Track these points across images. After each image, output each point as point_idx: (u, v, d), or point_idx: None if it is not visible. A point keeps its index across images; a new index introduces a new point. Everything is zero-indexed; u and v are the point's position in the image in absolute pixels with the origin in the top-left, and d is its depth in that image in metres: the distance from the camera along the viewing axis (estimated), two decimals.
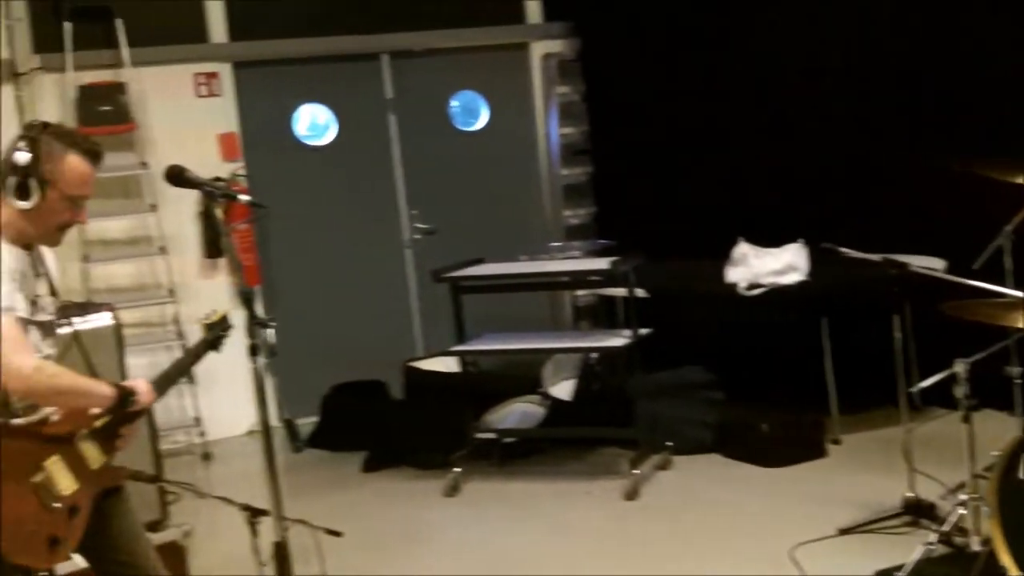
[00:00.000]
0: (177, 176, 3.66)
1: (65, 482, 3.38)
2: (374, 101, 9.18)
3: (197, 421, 8.18)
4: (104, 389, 3.43)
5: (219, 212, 3.71)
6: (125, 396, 3.47)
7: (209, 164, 8.13)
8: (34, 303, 3.46)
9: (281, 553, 3.49)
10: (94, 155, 3.48)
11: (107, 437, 3.54)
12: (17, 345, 3.25)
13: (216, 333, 3.90)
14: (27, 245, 3.48)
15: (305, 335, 8.51)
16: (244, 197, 3.71)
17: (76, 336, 3.67)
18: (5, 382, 3.24)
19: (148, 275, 8.40)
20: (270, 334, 3.51)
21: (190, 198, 8.21)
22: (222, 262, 8.48)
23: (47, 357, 3.49)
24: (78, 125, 7.84)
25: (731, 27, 8.03)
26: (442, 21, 9.21)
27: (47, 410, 3.45)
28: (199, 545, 5.12)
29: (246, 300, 3.54)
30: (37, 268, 3.52)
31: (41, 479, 3.32)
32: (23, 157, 3.36)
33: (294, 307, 8.66)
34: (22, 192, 3.37)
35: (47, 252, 3.61)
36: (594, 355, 7.32)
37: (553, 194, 9.65)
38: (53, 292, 3.59)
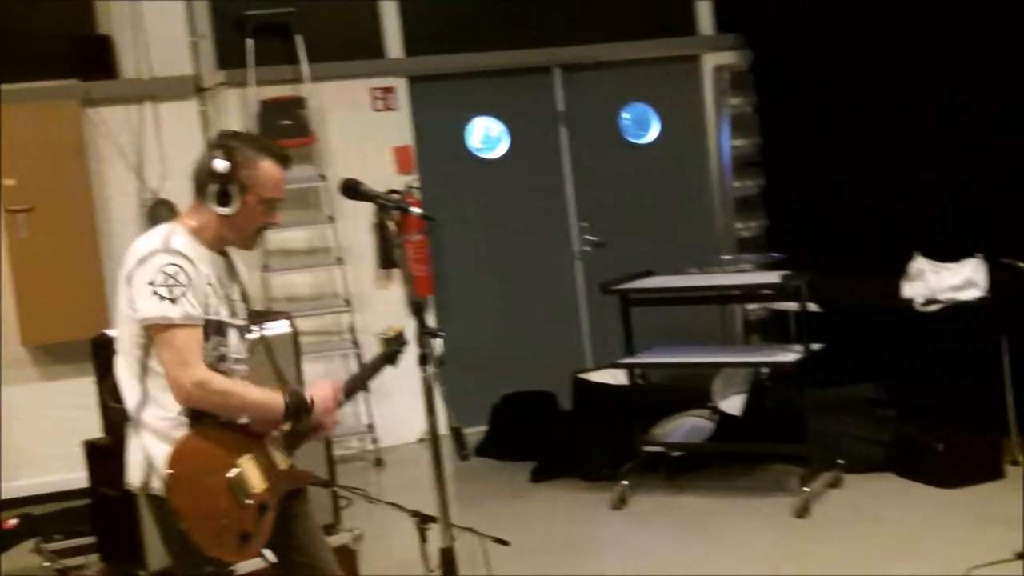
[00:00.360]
0: (352, 189, 3.76)
1: (256, 480, 3.50)
2: (546, 114, 9.26)
3: (370, 428, 8.35)
4: (274, 404, 3.50)
5: (392, 224, 3.78)
6: (296, 410, 3.53)
7: (384, 176, 8.30)
8: (230, 307, 3.58)
9: (448, 560, 3.55)
10: (284, 159, 3.60)
11: (293, 440, 3.66)
12: (184, 358, 3.35)
13: (393, 348, 3.96)
14: (222, 251, 3.60)
15: (476, 345, 8.61)
16: (416, 210, 3.79)
17: (264, 340, 3.77)
18: (175, 393, 3.37)
19: (325, 284, 8.60)
20: (439, 344, 3.58)
21: (366, 210, 8.39)
22: (396, 273, 8.65)
23: (240, 360, 3.61)
24: None
25: (907, 38, 7.88)
26: (614, 34, 9.25)
27: None
28: (369, 549, 5.23)
29: (417, 310, 3.62)
30: (231, 273, 3.64)
31: (235, 476, 3.44)
32: (222, 165, 3.48)
33: (466, 317, 8.78)
34: (223, 198, 3.49)
35: (237, 259, 3.73)
36: (765, 370, 7.25)
37: (724, 207, 9.59)
38: (244, 297, 3.70)
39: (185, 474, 3.37)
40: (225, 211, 3.49)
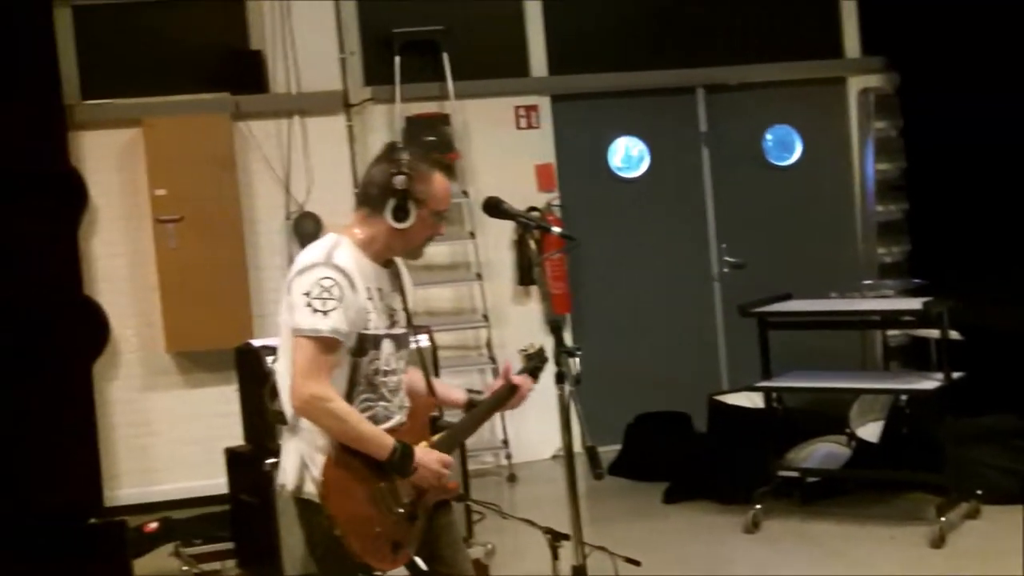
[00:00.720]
0: (494, 207, 3.81)
1: (407, 490, 3.56)
2: (688, 134, 9.24)
3: (505, 443, 8.41)
4: (380, 446, 3.48)
5: (533, 243, 3.82)
6: (397, 465, 3.50)
7: (526, 194, 8.36)
8: (391, 316, 3.64)
9: None
10: (449, 170, 3.71)
11: (444, 450, 3.69)
12: (315, 368, 3.41)
13: (534, 364, 3.98)
14: (387, 262, 3.67)
15: (611, 363, 8.61)
16: (556, 229, 3.81)
17: (419, 351, 3.83)
18: (292, 398, 3.44)
19: (465, 299, 8.69)
20: (576, 362, 3.59)
21: (507, 227, 8.48)
22: (534, 289, 8.71)
23: (395, 370, 3.66)
24: None
25: None
26: (758, 55, 9.20)
27: (395, 420, 3.63)
28: (501, 564, 5.27)
29: (555, 328, 3.64)
30: (394, 284, 3.70)
31: (387, 485, 3.51)
32: (402, 180, 3.54)
33: (601, 336, 8.79)
34: (401, 213, 3.56)
35: (403, 269, 3.79)
36: (904, 397, 7.13)
37: (866, 231, 9.46)
38: (406, 307, 3.76)
39: (339, 481, 3.45)
40: (400, 225, 3.56)
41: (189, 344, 8.02)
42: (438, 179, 3.61)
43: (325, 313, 3.41)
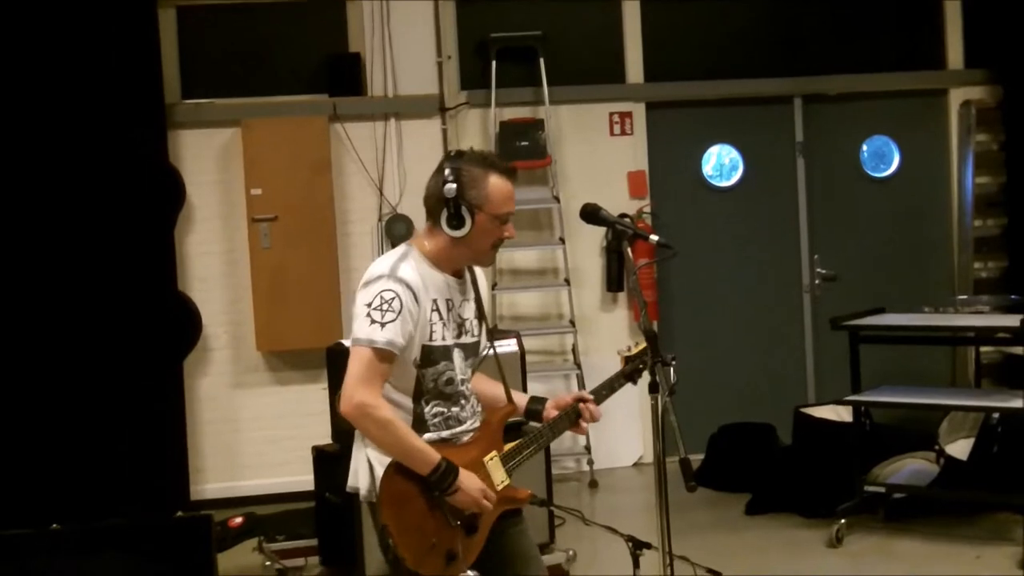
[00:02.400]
0: (592, 214, 3.80)
1: None
2: (783, 144, 9.17)
3: (587, 450, 8.40)
4: (424, 460, 3.47)
5: (629, 251, 3.80)
6: (438, 483, 3.48)
7: (617, 201, 8.36)
8: (460, 326, 3.66)
9: None
10: (510, 172, 3.65)
11: (514, 461, 3.70)
12: (368, 377, 3.45)
13: (635, 366, 3.94)
14: (457, 271, 3.69)
15: (697, 373, 8.58)
16: (655, 237, 3.78)
17: (497, 359, 3.83)
18: (342, 403, 3.48)
19: (552, 305, 8.71)
20: (671, 372, 3.57)
21: (596, 233, 8.49)
22: (621, 297, 8.71)
23: (465, 379, 3.68)
24: None
25: None
26: (858, 65, 9.11)
27: (460, 428, 3.65)
28: (581, 570, 5.28)
29: (650, 338, 3.62)
30: (466, 292, 3.72)
31: (443, 496, 3.52)
32: (451, 188, 3.54)
33: (688, 344, 8.75)
34: (454, 221, 3.56)
35: (480, 277, 3.81)
36: (996, 415, 7.03)
37: (963, 246, 9.31)
38: (481, 315, 3.77)
39: (396, 490, 3.48)
40: (457, 234, 3.56)
41: (279, 343, 8.13)
42: (494, 182, 3.58)
43: (383, 325, 3.45)
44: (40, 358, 7.39)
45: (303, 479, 5.66)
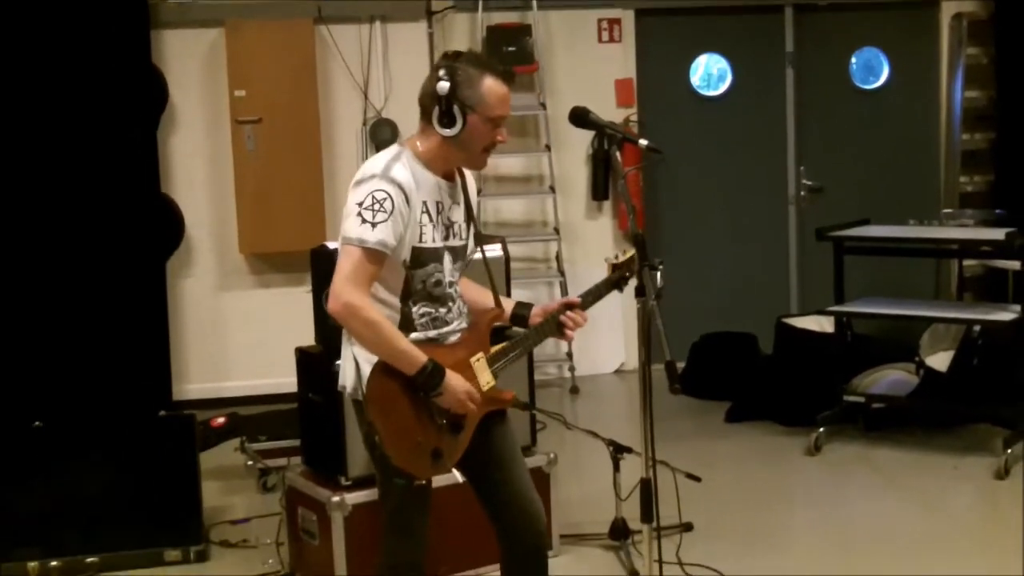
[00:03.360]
0: (581, 117, 3.76)
1: None
2: (773, 54, 9.10)
3: (569, 356, 8.43)
4: (410, 361, 3.47)
5: (617, 155, 3.77)
6: (424, 384, 3.48)
7: (604, 109, 8.14)
8: (448, 228, 3.65)
9: (647, 491, 3.56)
10: (508, 75, 3.60)
11: (500, 363, 3.70)
12: (356, 276, 3.43)
13: (622, 273, 3.91)
14: (448, 174, 3.66)
15: (680, 281, 8.54)
16: (644, 141, 3.74)
17: (487, 262, 3.81)
18: (329, 301, 3.47)
19: (536, 213, 8.70)
20: (658, 277, 3.57)
21: (583, 141, 8.48)
22: (606, 205, 8.70)
23: (453, 282, 3.68)
24: None
25: None
26: None
27: (447, 328, 3.65)
28: (562, 474, 5.31)
29: (638, 242, 3.60)
30: (456, 196, 3.69)
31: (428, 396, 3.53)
32: (444, 86, 3.50)
33: (672, 253, 8.72)
34: (446, 120, 3.52)
35: (470, 181, 3.78)
36: (977, 328, 7.06)
37: (950, 159, 9.30)
38: (470, 219, 3.75)
39: (382, 389, 3.49)
40: (448, 132, 3.53)
41: (263, 246, 8.10)
42: (489, 84, 3.54)
43: (374, 225, 3.43)
44: (24, 260, 7.35)
45: (286, 380, 5.64)
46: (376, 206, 3.44)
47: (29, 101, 7.35)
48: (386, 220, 3.44)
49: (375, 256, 3.45)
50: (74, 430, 5.62)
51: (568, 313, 3.78)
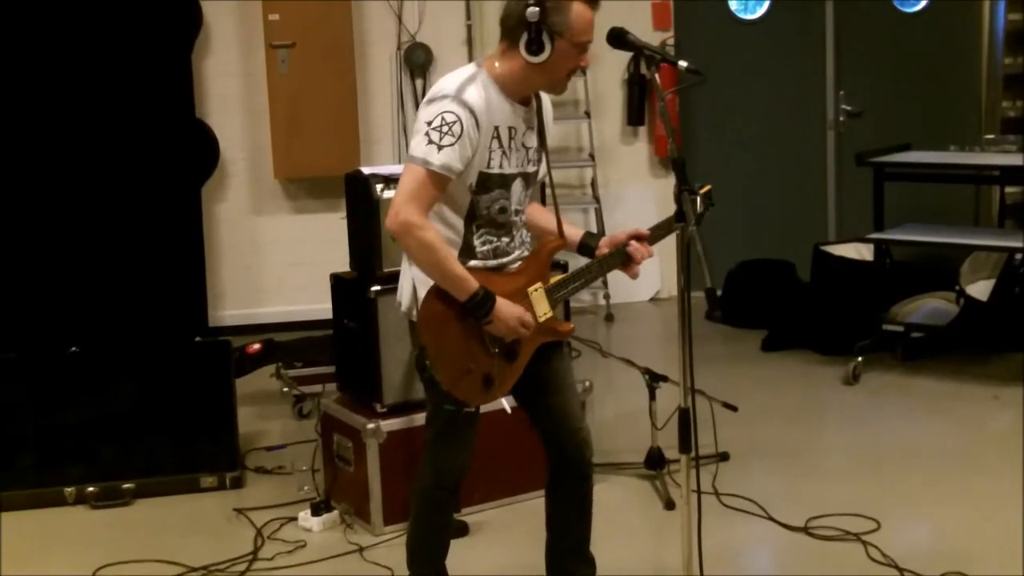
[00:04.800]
0: (618, 37, 3.67)
1: None
2: None
3: (604, 283, 8.39)
4: (461, 286, 3.43)
5: (657, 77, 3.69)
6: (474, 309, 3.45)
7: (640, 32, 7.91)
8: (523, 154, 3.58)
9: (685, 421, 3.52)
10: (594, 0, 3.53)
11: (559, 294, 3.67)
12: (418, 196, 3.38)
13: (702, 208, 3.70)
14: (525, 99, 3.58)
15: (717, 208, 8.45)
16: (683, 63, 3.67)
17: (553, 191, 3.76)
18: (388, 217, 3.42)
19: (572, 138, 8.62)
20: (698, 201, 3.51)
21: (618, 65, 8.39)
22: (642, 131, 8.61)
23: (520, 209, 3.63)
24: None
25: None
26: None
27: (508, 258, 3.63)
28: (598, 401, 5.30)
29: (678, 166, 3.53)
30: (531, 120, 3.62)
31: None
32: (534, 11, 3.42)
33: (709, 179, 8.55)
34: (535, 46, 3.44)
35: (547, 105, 3.70)
36: (1019, 256, 6.97)
37: (991, 84, 9.15)
38: (542, 144, 3.68)
39: (436, 312, 3.46)
40: (536, 59, 3.45)
41: (297, 171, 8.07)
42: (577, 8, 3.46)
43: (440, 148, 3.37)
44: (60, 186, 7.35)
45: (321, 307, 5.64)
46: (444, 128, 3.38)
47: (63, 27, 7.30)
48: (453, 144, 3.38)
49: (438, 179, 3.40)
50: (110, 356, 5.65)
51: (634, 243, 3.71)
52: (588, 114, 8.38)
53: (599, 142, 8.46)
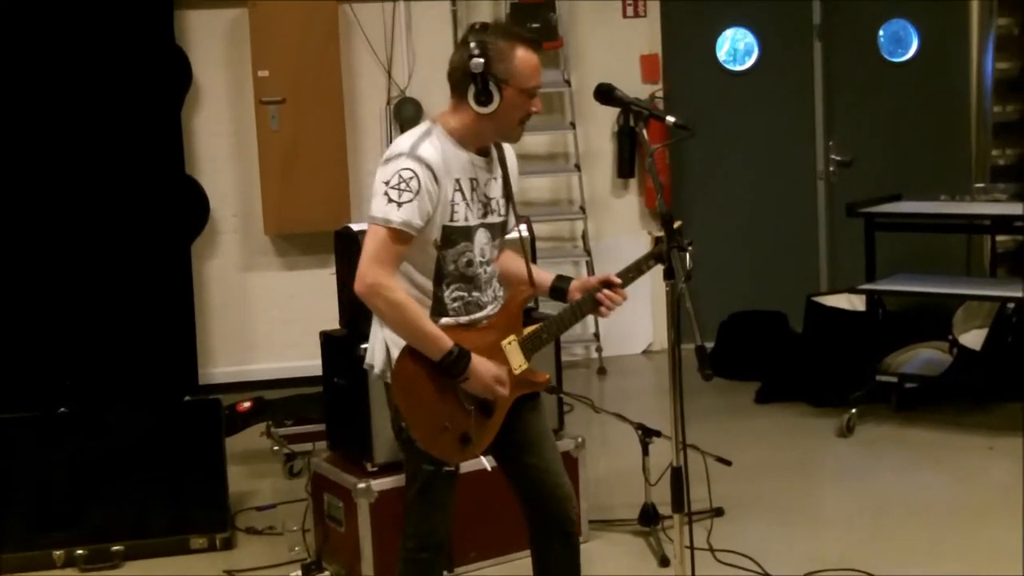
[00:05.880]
0: (606, 93, 3.67)
1: None
2: (800, 27, 8.97)
3: (596, 336, 8.37)
4: (435, 345, 3.40)
5: (644, 132, 3.68)
6: (449, 368, 3.41)
7: (629, 85, 8.15)
8: (485, 206, 3.57)
9: (678, 479, 3.49)
10: (536, 44, 3.52)
11: (533, 345, 3.63)
12: (381, 257, 3.37)
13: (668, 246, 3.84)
14: (483, 149, 3.58)
15: (707, 259, 8.45)
16: (671, 118, 3.67)
17: (521, 240, 3.74)
18: (356, 281, 3.40)
19: (562, 190, 8.62)
20: (687, 258, 3.49)
21: (608, 118, 8.40)
22: (632, 183, 8.62)
23: (488, 261, 3.61)
24: None
25: None
26: None
27: (480, 313, 3.59)
28: (590, 457, 5.26)
29: (667, 221, 3.52)
30: (493, 170, 3.61)
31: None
32: (478, 62, 3.42)
33: (699, 231, 8.64)
34: (483, 97, 3.44)
35: (510, 154, 3.69)
36: (1011, 305, 6.96)
37: (981, 132, 9.18)
38: (508, 194, 3.66)
39: (409, 372, 3.43)
40: (485, 110, 3.45)
41: (288, 226, 8.06)
42: (521, 55, 3.45)
43: (399, 205, 3.36)
44: (49, 243, 7.34)
45: (312, 363, 5.60)
46: (402, 185, 3.37)
47: (53, 83, 7.33)
48: (412, 200, 3.37)
49: (401, 236, 3.38)
50: (99, 415, 5.60)
51: (605, 291, 3.67)
52: (578, 167, 8.39)
53: (590, 194, 8.46)
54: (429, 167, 3.40)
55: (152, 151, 7.56)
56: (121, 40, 7.42)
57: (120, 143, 7.45)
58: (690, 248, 3.51)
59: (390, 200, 3.37)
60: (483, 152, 3.58)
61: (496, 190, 3.62)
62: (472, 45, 3.44)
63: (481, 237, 3.57)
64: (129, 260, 7.44)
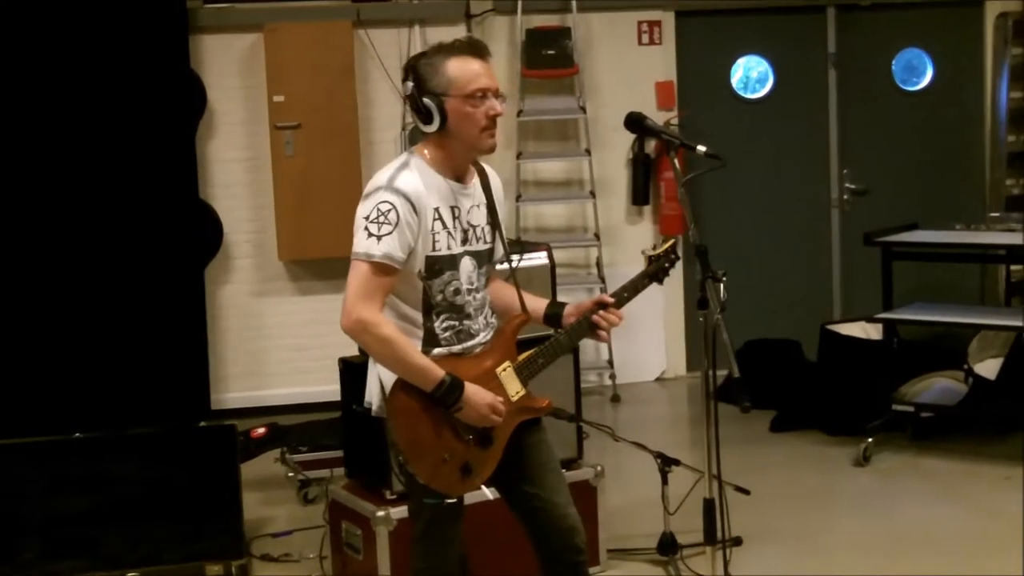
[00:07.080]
0: (636, 122, 3.68)
1: None
2: (815, 55, 9.00)
3: (610, 364, 8.35)
4: (427, 377, 3.40)
5: (677, 162, 3.68)
6: (442, 399, 3.40)
7: (644, 112, 8.16)
8: (467, 233, 3.55)
9: (710, 511, 3.47)
10: (474, 48, 3.49)
11: (529, 371, 3.60)
12: (366, 292, 3.35)
13: (660, 265, 3.83)
14: (461, 176, 3.56)
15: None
16: (702, 148, 3.68)
17: (512, 272, 3.71)
18: (341, 318, 3.39)
19: (577, 217, 8.61)
20: (722, 288, 3.48)
21: (623, 145, 8.40)
22: (647, 210, 8.61)
23: (477, 288, 3.59)
24: (523, 67, 8.15)
25: None
26: None
27: (472, 341, 3.57)
28: (607, 486, 5.23)
29: (701, 253, 3.52)
30: (475, 197, 3.59)
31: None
32: (408, 86, 3.46)
33: (715, 259, 8.56)
34: (424, 116, 3.45)
35: (495, 180, 3.68)
36: None
37: (996, 161, 9.17)
38: (494, 220, 3.65)
39: (404, 406, 3.42)
40: (431, 128, 3.45)
41: (302, 252, 8.05)
42: (454, 63, 3.44)
43: (379, 238, 3.34)
44: (63, 267, 7.34)
45: (327, 389, 5.61)
46: (381, 218, 3.36)
47: (68, 107, 7.34)
48: (391, 232, 3.36)
49: (383, 269, 3.37)
50: (113, 441, 5.59)
51: (601, 313, 3.65)
52: (593, 194, 8.38)
53: (604, 222, 8.45)
54: (407, 198, 3.39)
55: (166, 176, 7.56)
56: (136, 65, 7.43)
57: (134, 167, 7.45)
58: (724, 279, 3.51)
59: (370, 234, 3.36)
60: (462, 179, 3.56)
61: (480, 217, 3.60)
62: (404, 73, 3.48)
63: (467, 265, 3.55)
64: (143, 285, 7.43)
